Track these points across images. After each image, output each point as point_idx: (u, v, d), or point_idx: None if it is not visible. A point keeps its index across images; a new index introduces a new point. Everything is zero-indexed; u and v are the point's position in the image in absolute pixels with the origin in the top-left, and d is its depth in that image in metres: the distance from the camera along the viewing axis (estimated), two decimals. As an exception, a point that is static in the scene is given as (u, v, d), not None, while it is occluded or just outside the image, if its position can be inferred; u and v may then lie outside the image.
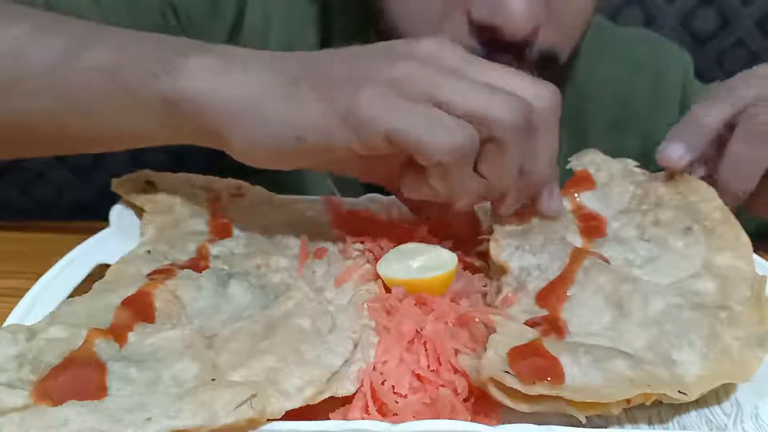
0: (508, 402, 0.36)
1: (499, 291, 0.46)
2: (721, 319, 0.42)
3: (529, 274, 0.46)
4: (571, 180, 0.55)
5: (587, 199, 0.53)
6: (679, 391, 0.37)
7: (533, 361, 0.37)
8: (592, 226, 0.51)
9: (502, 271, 0.47)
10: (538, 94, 0.43)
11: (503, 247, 0.48)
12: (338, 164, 0.49)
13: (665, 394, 0.37)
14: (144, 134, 0.50)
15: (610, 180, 0.54)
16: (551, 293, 0.44)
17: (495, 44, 0.57)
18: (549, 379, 0.36)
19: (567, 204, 0.52)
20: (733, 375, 0.40)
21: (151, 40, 0.49)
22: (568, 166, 0.56)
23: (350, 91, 0.42)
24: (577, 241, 0.49)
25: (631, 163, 0.55)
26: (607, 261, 0.47)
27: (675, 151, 0.51)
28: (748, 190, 0.51)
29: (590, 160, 0.56)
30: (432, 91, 0.42)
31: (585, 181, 0.54)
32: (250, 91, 0.44)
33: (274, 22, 0.73)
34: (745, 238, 0.48)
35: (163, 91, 0.46)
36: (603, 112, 0.57)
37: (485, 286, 0.48)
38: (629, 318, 0.42)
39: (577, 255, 0.46)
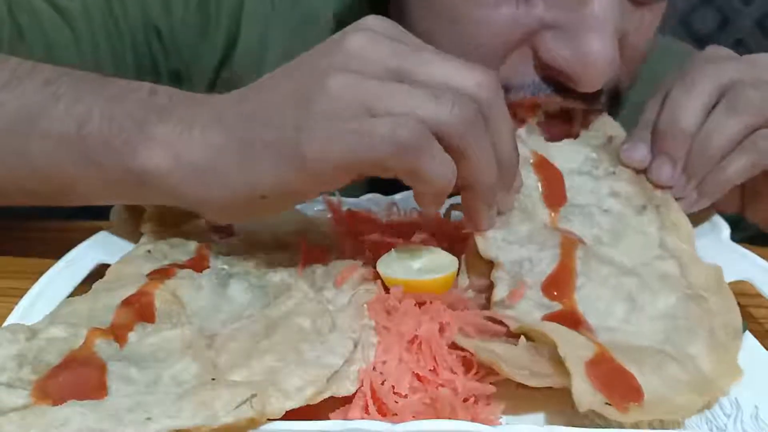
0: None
1: (491, 286, 0.45)
2: (707, 310, 0.45)
3: (522, 267, 0.46)
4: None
5: (539, 146, 0.54)
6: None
7: (613, 379, 0.38)
8: (554, 188, 0.51)
9: (491, 266, 0.46)
10: (478, 82, 0.41)
11: (489, 240, 0.47)
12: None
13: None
14: (109, 198, 0.51)
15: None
16: (559, 284, 0.45)
17: (562, 87, 0.53)
18: (631, 397, 0.37)
19: (527, 153, 0.52)
20: (733, 368, 0.42)
21: (111, 98, 0.47)
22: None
23: (294, 136, 0.41)
24: (545, 214, 0.50)
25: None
26: (582, 242, 0.48)
27: (638, 153, 0.53)
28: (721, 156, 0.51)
29: None
30: (369, 103, 0.40)
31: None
32: (208, 158, 0.44)
33: (271, 45, 0.71)
34: (687, 223, 0.51)
35: (126, 164, 0.45)
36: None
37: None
38: (642, 312, 0.44)
39: (568, 246, 0.47)
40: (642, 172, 0.53)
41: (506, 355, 0.39)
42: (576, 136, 0.57)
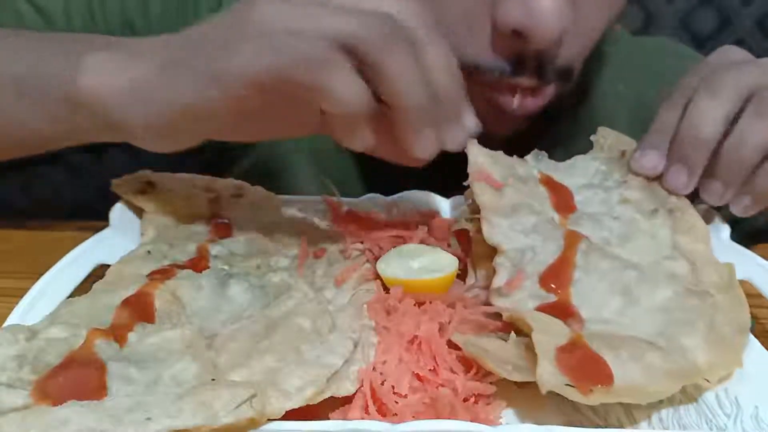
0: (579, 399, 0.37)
1: (493, 273, 0.46)
2: (711, 305, 0.45)
3: (524, 255, 0.46)
4: None
5: (548, 169, 0.54)
6: (705, 379, 0.40)
7: (584, 364, 0.38)
8: (563, 199, 0.51)
9: (493, 251, 0.46)
10: (401, 8, 0.42)
11: (495, 227, 0.47)
12: (255, 127, 0.49)
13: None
14: (48, 135, 0.53)
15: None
16: (556, 276, 0.45)
17: (517, 59, 0.55)
18: (601, 383, 0.37)
19: (534, 173, 0.53)
20: (733, 361, 0.42)
21: (53, 42, 0.52)
22: None
23: (215, 50, 0.43)
24: (555, 217, 0.50)
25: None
26: (588, 238, 0.48)
27: (650, 161, 0.52)
28: (750, 166, 0.50)
29: None
30: (288, 24, 0.41)
31: None
32: (135, 78, 0.46)
33: None
34: (702, 224, 0.51)
35: (64, 90, 0.48)
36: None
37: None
38: (637, 305, 0.44)
39: (572, 238, 0.47)
40: (655, 179, 0.53)
41: (494, 350, 0.39)
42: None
